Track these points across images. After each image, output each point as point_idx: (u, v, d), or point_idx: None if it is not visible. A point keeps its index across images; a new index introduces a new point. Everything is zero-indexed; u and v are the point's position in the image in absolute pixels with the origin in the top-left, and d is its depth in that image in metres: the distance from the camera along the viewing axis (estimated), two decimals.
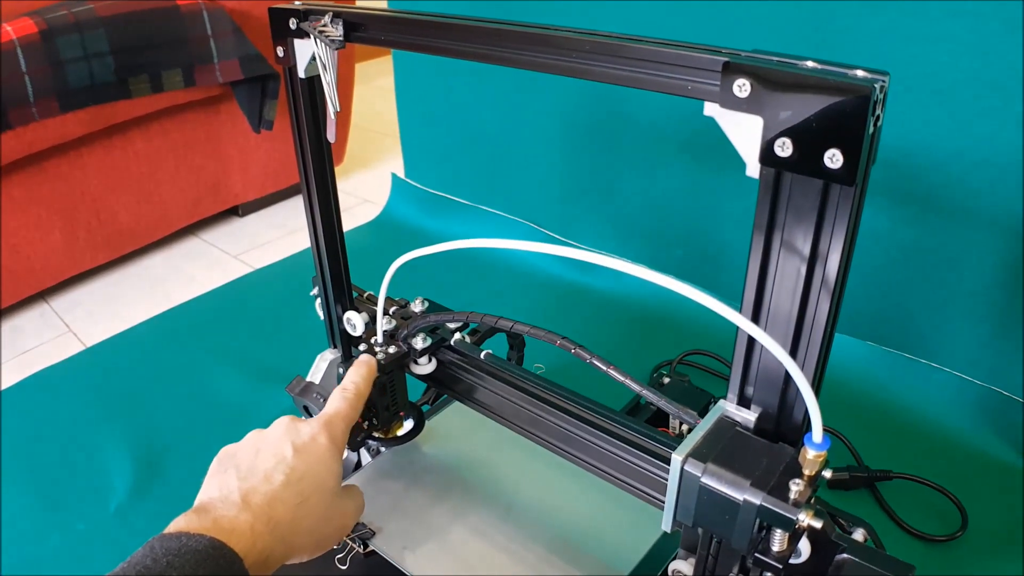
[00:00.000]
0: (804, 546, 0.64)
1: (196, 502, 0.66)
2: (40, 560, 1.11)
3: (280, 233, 2.09)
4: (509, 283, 1.71)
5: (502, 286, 1.70)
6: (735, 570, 0.65)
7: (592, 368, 0.70)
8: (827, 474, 0.56)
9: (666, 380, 1.18)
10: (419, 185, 2.07)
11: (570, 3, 1.51)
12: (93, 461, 1.27)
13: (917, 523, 1.11)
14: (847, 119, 0.45)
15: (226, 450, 0.72)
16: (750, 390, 0.60)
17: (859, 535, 0.70)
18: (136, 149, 1.85)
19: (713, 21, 1.36)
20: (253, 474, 0.67)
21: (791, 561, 0.65)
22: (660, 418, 1.13)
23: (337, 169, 2.40)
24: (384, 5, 1.53)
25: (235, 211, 2.21)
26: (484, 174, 1.92)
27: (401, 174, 2.13)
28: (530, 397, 0.82)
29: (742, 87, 0.49)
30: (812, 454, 0.54)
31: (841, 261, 0.51)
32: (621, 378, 0.69)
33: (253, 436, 0.73)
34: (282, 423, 0.74)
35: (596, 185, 1.69)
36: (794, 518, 0.52)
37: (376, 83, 2.29)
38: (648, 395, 0.68)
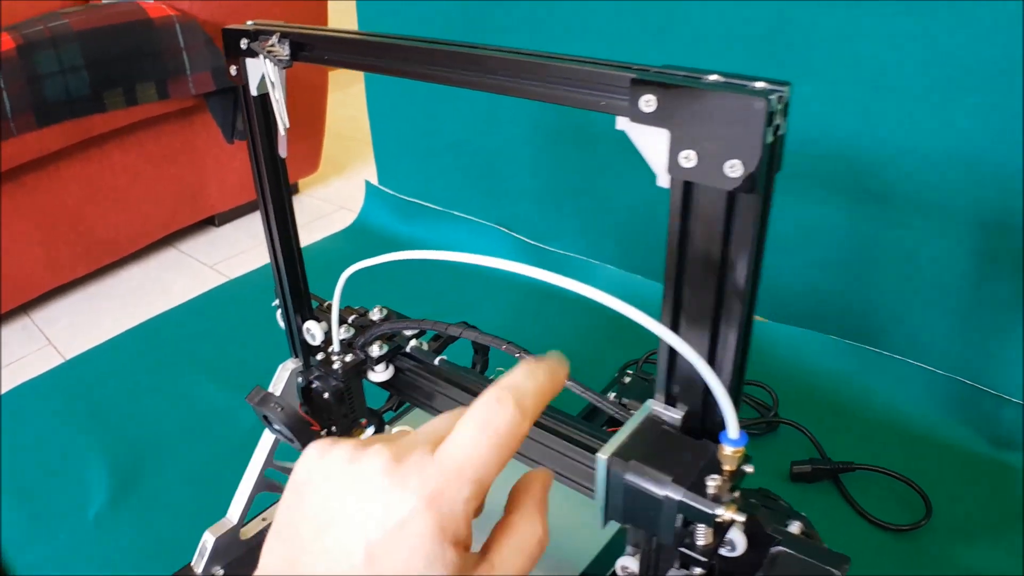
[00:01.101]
0: (740, 540, 0.66)
1: None
2: (22, 570, 1.12)
3: (256, 242, 2.11)
4: (483, 286, 1.73)
5: (476, 289, 1.72)
6: (676, 564, 0.67)
7: None
8: (748, 469, 0.58)
9: (627, 379, 1.20)
10: (393, 192, 2.09)
11: (543, 24, 1.53)
12: (73, 471, 1.29)
13: (881, 513, 1.13)
14: (745, 130, 0.47)
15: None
16: (676, 389, 0.62)
17: (795, 528, 0.71)
18: (113, 161, 1.87)
19: (670, 27, 1.37)
20: None
21: (727, 554, 0.67)
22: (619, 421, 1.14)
23: (313, 176, 2.44)
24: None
25: (211, 221, 2.22)
26: (457, 180, 1.93)
27: (375, 181, 2.15)
28: None
29: (648, 102, 0.51)
30: (729, 450, 0.56)
31: (749, 265, 0.53)
32: (569, 383, 0.70)
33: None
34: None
35: (569, 189, 1.71)
36: (712, 512, 0.54)
37: (352, 89, 2.32)
38: (590, 397, 0.70)
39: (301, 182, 2.46)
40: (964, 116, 1.16)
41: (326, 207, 2.32)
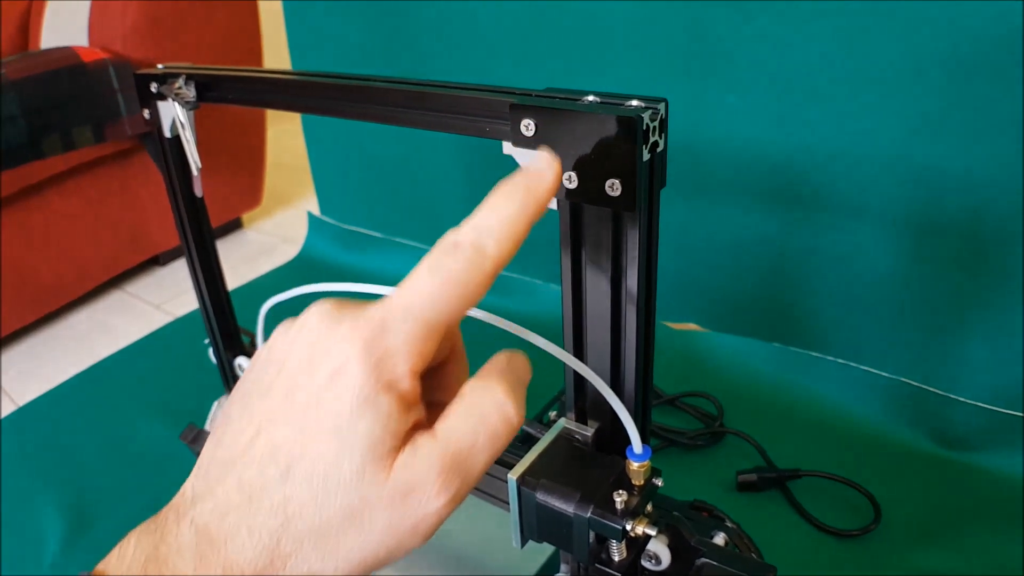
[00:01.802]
0: (664, 553, 0.67)
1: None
2: None
3: None
4: None
5: None
6: None
7: None
8: (658, 482, 0.59)
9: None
10: (335, 222, 2.09)
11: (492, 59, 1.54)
12: (27, 519, 1.27)
13: (830, 519, 1.12)
14: (619, 149, 0.48)
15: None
16: (585, 406, 0.62)
17: (720, 539, 0.72)
18: (53, 207, 1.86)
19: (593, 42, 1.39)
20: None
21: (652, 568, 0.68)
22: None
23: (257, 210, 2.43)
24: None
25: (156, 260, 2.21)
26: (399, 206, 1.93)
27: (317, 212, 2.15)
28: None
29: (527, 126, 0.51)
30: (635, 465, 0.56)
31: (640, 278, 0.53)
32: None
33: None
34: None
35: None
36: (620, 527, 0.54)
37: (295, 119, 2.33)
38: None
39: (245, 216, 2.45)
40: (890, 118, 1.17)
41: (271, 240, 2.31)
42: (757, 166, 1.31)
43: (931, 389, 1.31)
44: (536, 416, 1.19)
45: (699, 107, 1.31)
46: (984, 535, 1.10)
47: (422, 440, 0.39)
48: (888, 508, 1.14)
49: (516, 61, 1.49)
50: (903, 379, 1.33)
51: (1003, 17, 1.02)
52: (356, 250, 2.02)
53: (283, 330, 0.42)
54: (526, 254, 1.72)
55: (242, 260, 2.17)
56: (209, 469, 0.40)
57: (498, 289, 1.73)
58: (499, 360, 0.45)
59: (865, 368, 1.37)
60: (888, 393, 1.34)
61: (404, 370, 0.39)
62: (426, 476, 0.38)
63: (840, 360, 1.40)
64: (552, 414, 1.14)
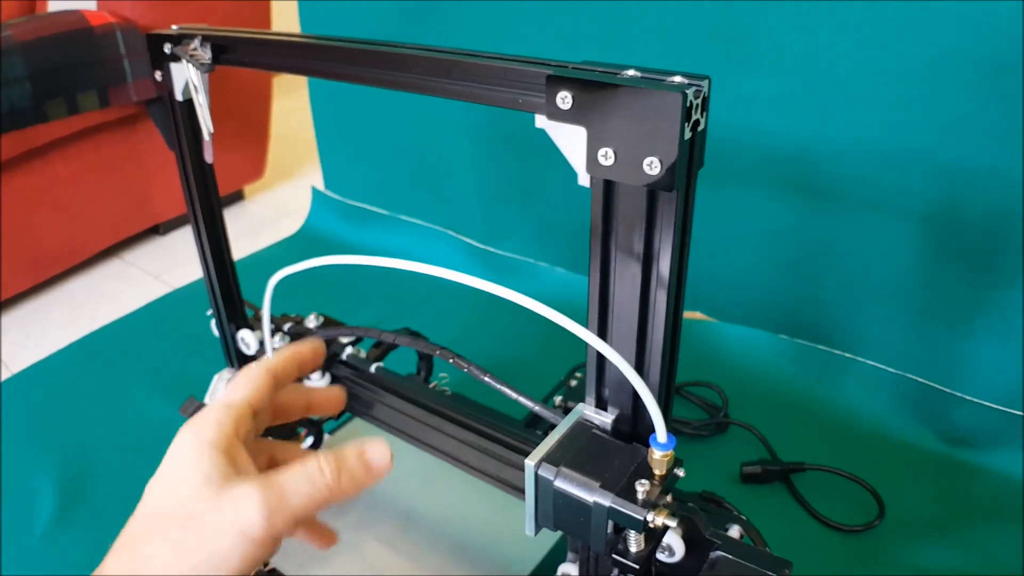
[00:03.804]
0: (678, 545, 0.66)
1: None
2: None
3: None
4: (430, 292, 1.71)
5: (424, 295, 1.70)
6: (616, 571, 0.66)
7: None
8: (680, 472, 0.57)
9: (573, 383, 1.20)
10: (339, 197, 2.07)
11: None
12: (19, 487, 1.26)
13: (834, 514, 1.12)
14: (661, 126, 0.46)
15: None
16: (606, 393, 0.61)
17: (735, 532, 0.71)
18: (56, 172, 1.84)
19: (619, 25, 1.36)
20: None
21: (665, 560, 0.66)
22: None
23: (259, 182, 2.41)
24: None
25: (156, 229, 2.19)
26: (405, 183, 1.91)
27: (321, 186, 2.13)
28: (420, 409, 0.83)
29: (564, 99, 0.49)
30: (658, 454, 0.55)
31: (672, 264, 0.51)
32: (505, 389, 0.69)
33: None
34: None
35: (519, 192, 1.70)
36: (642, 518, 0.53)
37: (300, 93, 2.29)
38: (525, 402, 0.69)
39: (247, 188, 2.43)
40: (910, 112, 1.15)
41: (272, 213, 2.28)
42: (772, 155, 1.30)
43: (937, 386, 1.30)
44: (550, 394, 1.18)
45: (717, 93, 1.29)
46: (987, 533, 1.09)
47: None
48: (892, 504, 1.13)
49: (533, 45, 1.47)
50: (910, 375, 1.33)
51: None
52: (359, 226, 2.00)
53: None
54: (533, 237, 1.71)
55: (243, 232, 2.15)
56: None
57: (505, 272, 1.72)
58: (351, 446, 0.58)
59: (872, 363, 1.36)
60: (894, 389, 1.33)
61: (228, 434, 0.55)
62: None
63: (847, 354, 1.39)
64: (557, 399, 1.13)
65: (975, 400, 1.27)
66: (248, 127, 2.23)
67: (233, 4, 2.04)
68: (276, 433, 0.90)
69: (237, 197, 2.38)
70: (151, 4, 1.85)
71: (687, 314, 1.54)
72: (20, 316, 1.84)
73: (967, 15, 1.05)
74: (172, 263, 2.03)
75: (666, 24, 1.30)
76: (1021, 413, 1.22)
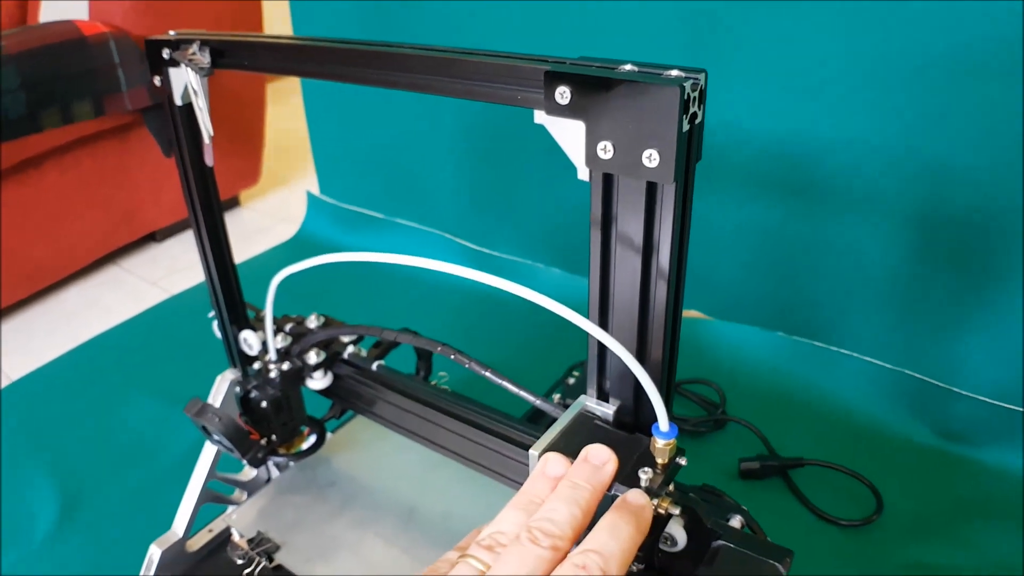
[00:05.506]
0: (680, 534, 0.66)
1: None
2: None
3: (198, 257, 2.08)
4: (428, 292, 1.72)
5: (422, 295, 1.71)
6: None
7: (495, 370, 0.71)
8: (682, 461, 0.58)
9: (571, 380, 1.20)
10: (334, 201, 2.07)
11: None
12: (19, 495, 1.26)
13: (832, 509, 1.12)
14: (659, 120, 0.47)
15: None
16: (607, 384, 0.61)
17: (736, 522, 0.71)
18: (49, 182, 1.84)
19: (596, 27, 1.38)
20: None
21: (668, 550, 0.67)
22: None
23: (254, 189, 2.41)
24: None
25: (153, 236, 2.19)
26: (400, 187, 1.92)
27: (317, 191, 2.13)
28: (422, 405, 0.83)
29: (563, 94, 0.50)
30: (661, 443, 0.55)
31: (672, 255, 0.52)
32: (506, 384, 0.70)
33: None
34: None
35: (513, 193, 1.71)
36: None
37: (293, 100, 2.31)
38: (527, 397, 0.69)
39: (242, 195, 2.43)
40: (898, 110, 1.16)
41: (267, 220, 2.29)
42: (762, 155, 1.31)
43: (933, 382, 1.31)
44: (548, 391, 1.19)
45: (707, 93, 1.30)
46: (984, 528, 1.10)
47: None
48: (890, 499, 1.14)
49: (515, 45, 1.48)
50: (906, 371, 1.33)
51: (1006, 18, 1.03)
52: (355, 230, 2.01)
53: None
54: (527, 238, 1.72)
55: (239, 238, 2.15)
56: None
57: (501, 273, 1.70)
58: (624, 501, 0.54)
59: (868, 359, 1.37)
60: (890, 385, 1.34)
61: None
62: None
63: (843, 350, 1.40)
64: (556, 397, 1.14)
65: (971, 395, 1.28)
66: (242, 134, 2.24)
67: (224, 13, 2.04)
68: (280, 433, 0.91)
69: (232, 204, 2.39)
70: (143, 14, 1.85)
71: (683, 313, 1.55)
72: (18, 324, 1.84)
73: (951, 16, 1.07)
74: (169, 269, 2.04)
75: (648, 27, 1.32)
76: (1018, 408, 1.23)
